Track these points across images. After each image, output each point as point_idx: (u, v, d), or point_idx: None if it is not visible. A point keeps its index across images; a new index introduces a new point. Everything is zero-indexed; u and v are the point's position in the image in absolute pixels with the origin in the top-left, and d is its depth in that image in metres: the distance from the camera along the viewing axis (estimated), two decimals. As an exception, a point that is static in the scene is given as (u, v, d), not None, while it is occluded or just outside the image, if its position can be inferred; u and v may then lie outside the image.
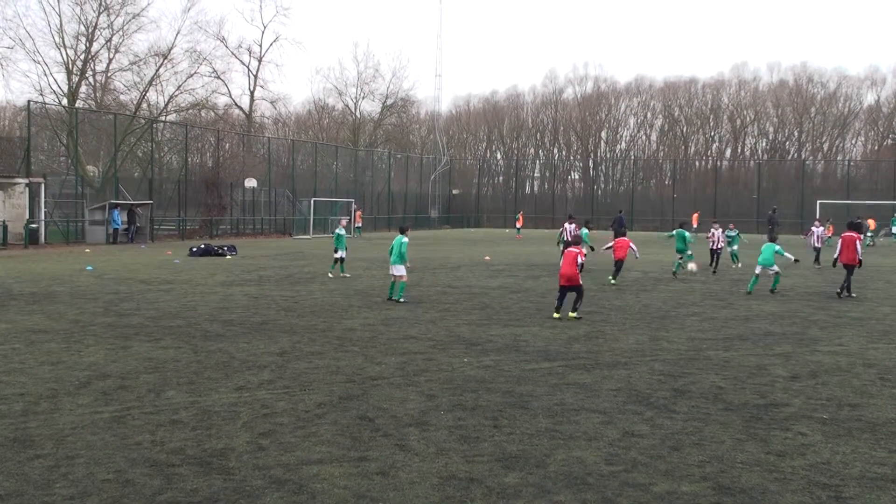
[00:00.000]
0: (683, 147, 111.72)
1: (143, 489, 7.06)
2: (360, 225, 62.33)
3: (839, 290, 22.57)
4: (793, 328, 16.75)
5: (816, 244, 33.81)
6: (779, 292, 22.90)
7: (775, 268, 23.32)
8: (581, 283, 18.18)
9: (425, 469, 7.67)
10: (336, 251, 26.47)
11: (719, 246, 30.32)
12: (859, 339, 15.43)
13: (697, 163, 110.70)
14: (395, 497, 6.96)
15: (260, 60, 77.32)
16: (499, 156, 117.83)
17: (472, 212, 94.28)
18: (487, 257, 37.00)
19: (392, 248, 20.60)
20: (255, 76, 77.53)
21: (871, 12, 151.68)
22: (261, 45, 77.89)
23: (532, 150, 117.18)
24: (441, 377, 11.60)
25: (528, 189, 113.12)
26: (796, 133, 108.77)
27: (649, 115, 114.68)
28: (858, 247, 22.45)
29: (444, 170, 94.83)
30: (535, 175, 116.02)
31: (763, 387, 11.24)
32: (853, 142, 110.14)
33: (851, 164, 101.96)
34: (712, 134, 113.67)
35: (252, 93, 77.68)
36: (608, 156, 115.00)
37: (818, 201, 72.88)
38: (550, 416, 9.57)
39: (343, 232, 26.77)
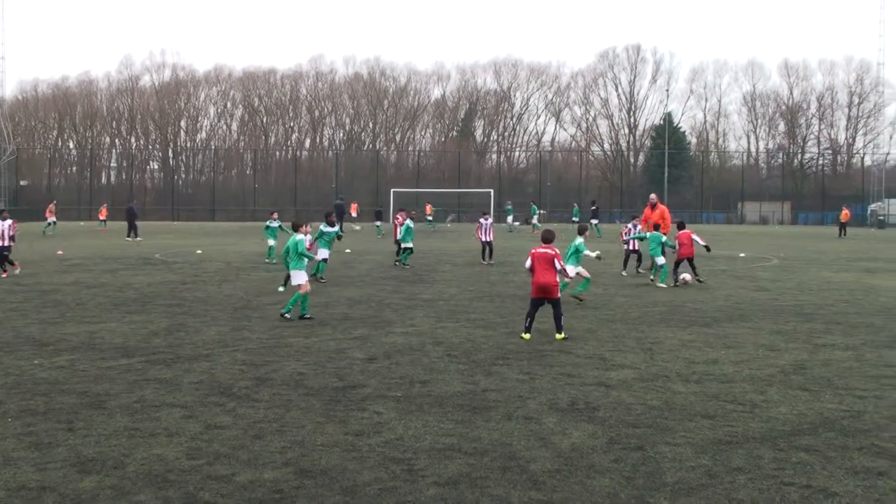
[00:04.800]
0: (264, 137, 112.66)
1: None
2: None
3: (698, 278, 23.43)
4: (369, 312, 17.49)
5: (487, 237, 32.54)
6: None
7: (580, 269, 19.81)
8: (559, 294, 14.65)
9: (-9, 482, 7.12)
10: None
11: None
12: (429, 320, 16.44)
13: (278, 153, 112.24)
14: (-46, 516, 6.42)
15: None
16: (71, 145, 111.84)
17: (43, 204, 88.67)
18: (60, 251, 35.00)
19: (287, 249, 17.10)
20: None
21: (437, 14, 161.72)
22: None
23: (108, 139, 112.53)
24: (8, 382, 10.81)
25: (104, 179, 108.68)
26: (371, 124, 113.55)
27: (229, 104, 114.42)
28: (698, 240, 23.80)
29: (11, 160, 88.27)
30: (112, 165, 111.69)
31: (342, 370, 11.64)
32: (422, 133, 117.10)
33: (421, 154, 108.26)
34: (292, 124, 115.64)
35: None
36: (189, 145, 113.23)
37: (392, 190, 76.55)
38: (130, 414, 9.27)
39: None
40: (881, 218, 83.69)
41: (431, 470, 7.46)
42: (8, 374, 11.27)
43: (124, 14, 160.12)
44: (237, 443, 8.23)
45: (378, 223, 54.09)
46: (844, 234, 58.13)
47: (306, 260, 17.23)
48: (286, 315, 16.34)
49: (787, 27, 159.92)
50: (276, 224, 30.40)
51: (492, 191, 77.54)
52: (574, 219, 61.78)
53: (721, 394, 10.30)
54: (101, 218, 64.24)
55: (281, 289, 20.85)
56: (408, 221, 28.53)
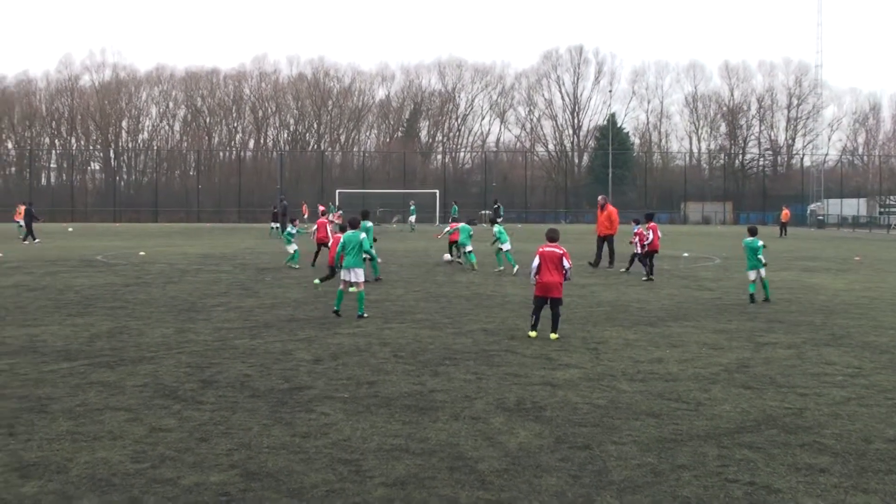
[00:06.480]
0: (207, 138, 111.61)
1: None
2: None
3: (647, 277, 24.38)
4: (316, 313, 17.39)
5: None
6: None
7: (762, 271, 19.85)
8: (562, 294, 14.55)
9: (-73, 489, 6.97)
10: None
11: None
12: (376, 321, 16.38)
13: (222, 153, 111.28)
14: None
15: None
16: (10, 145, 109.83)
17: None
18: (-1, 254, 34.40)
19: (345, 245, 16.64)
20: None
21: (381, 14, 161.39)
22: None
23: (48, 140, 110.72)
24: (-54, 387, 10.60)
25: (44, 180, 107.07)
26: (315, 125, 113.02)
27: (171, 104, 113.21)
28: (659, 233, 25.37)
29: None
30: (52, 166, 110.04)
31: (288, 371, 11.57)
32: (367, 134, 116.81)
33: (366, 155, 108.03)
34: (235, 125, 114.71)
35: None
36: (130, 146, 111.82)
37: (337, 191, 76.35)
38: (72, 417, 9.13)
39: None
40: (820, 218, 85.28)
41: (379, 471, 7.45)
42: (-55, 379, 11.04)
43: (64, 12, 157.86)
44: (182, 445, 8.15)
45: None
46: (785, 234, 59.12)
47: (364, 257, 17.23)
48: (364, 315, 16.67)
49: (727, 29, 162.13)
50: (295, 230, 28.63)
51: (437, 191, 77.60)
52: (498, 218, 61.92)
53: (666, 392, 10.40)
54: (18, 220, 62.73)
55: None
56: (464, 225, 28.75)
